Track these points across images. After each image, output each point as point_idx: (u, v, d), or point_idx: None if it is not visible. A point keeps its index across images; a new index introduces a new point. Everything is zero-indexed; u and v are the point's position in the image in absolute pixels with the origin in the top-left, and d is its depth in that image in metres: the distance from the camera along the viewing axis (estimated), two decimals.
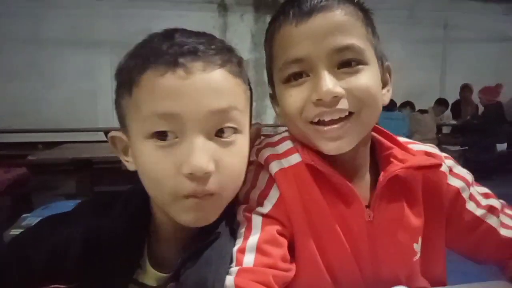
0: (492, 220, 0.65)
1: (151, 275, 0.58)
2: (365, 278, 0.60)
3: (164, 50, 0.49)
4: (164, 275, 0.57)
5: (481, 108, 5.28)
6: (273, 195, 0.59)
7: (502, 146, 4.95)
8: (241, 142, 0.54)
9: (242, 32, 5.80)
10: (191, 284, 0.50)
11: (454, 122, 5.58)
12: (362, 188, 0.62)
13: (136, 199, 0.59)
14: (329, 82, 0.54)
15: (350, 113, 0.56)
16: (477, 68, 6.15)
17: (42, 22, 5.01)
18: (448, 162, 0.66)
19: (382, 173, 0.60)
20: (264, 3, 5.80)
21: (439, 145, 4.54)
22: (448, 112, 5.70)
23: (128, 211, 0.58)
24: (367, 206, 0.60)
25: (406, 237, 0.61)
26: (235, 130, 0.52)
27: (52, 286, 0.54)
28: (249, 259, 0.53)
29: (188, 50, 0.49)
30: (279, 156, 0.61)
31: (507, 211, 0.68)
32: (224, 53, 0.52)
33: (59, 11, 4.95)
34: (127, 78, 0.51)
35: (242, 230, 0.57)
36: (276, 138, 0.66)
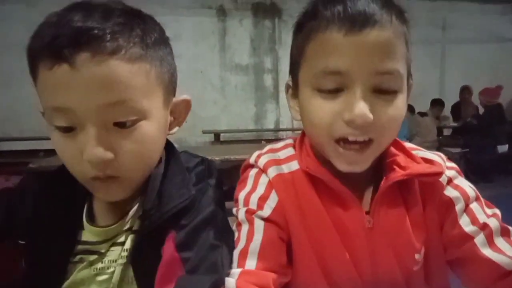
0: (479, 239, 0.58)
1: (89, 231, 0.60)
2: (365, 285, 0.59)
3: (49, 41, 0.46)
4: (101, 228, 0.59)
5: (481, 110, 5.28)
6: (273, 199, 0.60)
7: (503, 148, 4.94)
8: (145, 128, 0.53)
9: (241, 36, 5.81)
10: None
11: (454, 124, 5.58)
12: (364, 194, 0.62)
13: None
14: (364, 106, 0.51)
15: (371, 139, 0.54)
16: (476, 69, 6.16)
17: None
18: (449, 173, 0.63)
19: (383, 180, 0.59)
20: (262, 8, 5.82)
21: (440, 147, 4.55)
22: (448, 114, 5.70)
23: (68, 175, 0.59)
24: (368, 213, 0.60)
25: (406, 246, 0.60)
26: (135, 120, 0.52)
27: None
28: (251, 263, 0.54)
29: (74, 40, 0.46)
30: (279, 162, 0.62)
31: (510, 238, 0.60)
32: (119, 37, 0.49)
33: None
34: (30, 68, 0.51)
35: (245, 232, 0.58)
36: (280, 144, 0.67)
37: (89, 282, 0.58)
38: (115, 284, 0.58)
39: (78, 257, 0.59)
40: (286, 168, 0.61)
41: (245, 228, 0.58)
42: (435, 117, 5.26)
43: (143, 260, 0.57)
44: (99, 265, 0.59)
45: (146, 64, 0.52)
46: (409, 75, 0.58)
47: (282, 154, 0.64)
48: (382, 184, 0.59)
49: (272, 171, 0.61)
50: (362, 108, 0.51)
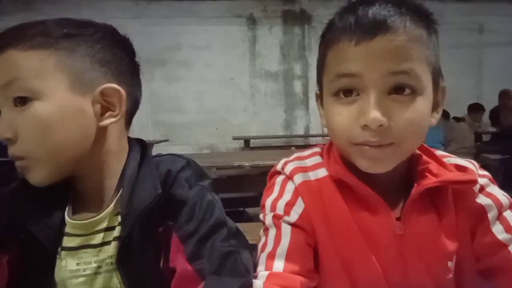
0: None
1: (70, 225, 0.60)
2: None
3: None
4: (78, 221, 0.60)
5: None
6: (299, 205, 0.61)
7: None
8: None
9: (271, 44, 5.86)
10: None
11: (493, 129, 5.33)
12: (395, 201, 0.61)
13: None
14: (376, 110, 0.52)
15: (391, 144, 0.54)
16: None
17: None
18: (481, 181, 0.61)
19: (415, 186, 0.59)
20: (292, 15, 5.84)
21: (478, 153, 4.35)
22: (486, 119, 5.46)
23: None
24: (399, 220, 0.59)
25: (439, 254, 0.59)
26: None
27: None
28: (278, 265, 0.55)
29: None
30: (306, 169, 0.63)
31: None
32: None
33: None
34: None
35: (272, 236, 0.59)
36: (307, 152, 0.68)
37: (66, 285, 0.59)
38: None
39: (63, 252, 0.60)
40: (312, 175, 0.62)
41: (272, 232, 0.59)
42: (473, 123, 5.05)
43: (131, 266, 0.59)
44: (74, 267, 0.59)
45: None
46: (438, 77, 0.58)
47: (309, 162, 0.64)
48: (414, 190, 0.58)
49: (298, 178, 0.62)
50: (374, 112, 0.52)
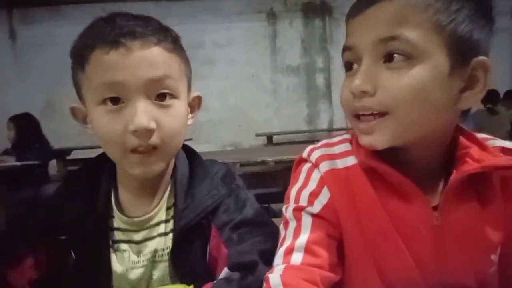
0: None
1: (120, 219, 0.67)
2: (429, 285, 0.55)
3: (107, 32, 0.58)
4: (131, 218, 0.67)
5: None
6: (324, 195, 0.58)
7: None
8: (178, 106, 0.63)
9: (292, 38, 5.81)
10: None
11: None
12: (433, 190, 0.57)
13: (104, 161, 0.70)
14: (359, 77, 0.52)
15: (386, 112, 0.52)
16: None
17: None
18: None
19: (454, 173, 0.55)
20: (312, 7, 5.76)
21: None
22: None
23: (91, 168, 0.70)
24: (436, 209, 0.55)
25: (481, 246, 0.55)
26: (172, 96, 0.62)
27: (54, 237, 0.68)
28: (296, 258, 0.53)
29: (128, 32, 0.58)
30: (334, 157, 0.60)
31: None
32: (159, 33, 0.61)
33: None
34: (79, 56, 0.60)
35: (292, 230, 0.57)
36: (336, 139, 0.64)
37: (127, 275, 0.66)
38: (157, 280, 0.67)
39: (116, 245, 0.67)
40: (340, 164, 0.59)
41: (292, 225, 0.57)
42: (507, 111, 4.82)
43: (183, 257, 0.65)
44: (134, 258, 0.67)
45: (177, 58, 0.64)
46: (464, 47, 0.51)
47: (337, 149, 0.61)
48: (453, 177, 0.54)
49: (324, 166, 0.59)
50: (355, 80, 0.52)
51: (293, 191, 0.61)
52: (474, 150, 0.56)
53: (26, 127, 3.42)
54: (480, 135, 0.60)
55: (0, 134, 3.81)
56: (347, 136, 0.64)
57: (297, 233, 0.56)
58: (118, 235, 0.67)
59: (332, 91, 5.71)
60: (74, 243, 0.67)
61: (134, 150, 0.59)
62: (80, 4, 5.25)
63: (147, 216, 0.67)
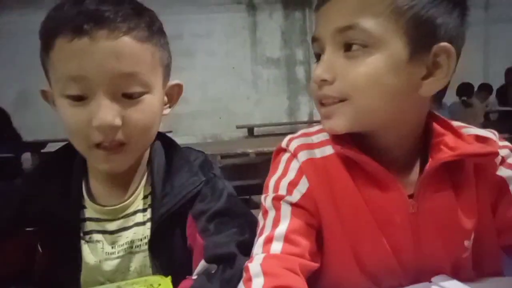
0: None
1: (93, 208, 0.64)
2: (406, 272, 0.57)
3: (72, 17, 0.53)
4: (104, 207, 0.64)
5: None
6: (303, 184, 0.58)
7: None
8: (149, 101, 0.59)
9: (272, 30, 5.79)
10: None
11: (502, 108, 5.26)
12: (408, 178, 0.59)
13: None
14: (320, 67, 0.55)
15: (345, 98, 0.54)
16: None
17: None
18: (503, 152, 0.58)
19: (429, 161, 0.56)
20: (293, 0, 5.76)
21: None
22: (493, 98, 5.39)
23: (63, 157, 0.66)
24: (412, 197, 0.57)
25: (456, 233, 0.57)
26: (141, 93, 0.57)
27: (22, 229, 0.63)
28: (276, 247, 0.53)
29: (94, 18, 0.53)
30: (312, 146, 0.61)
31: None
32: (131, 20, 0.56)
33: None
34: (44, 40, 0.56)
35: (271, 219, 0.57)
36: (314, 129, 0.65)
37: (101, 267, 0.63)
38: (134, 272, 0.64)
39: (88, 236, 0.63)
40: (318, 153, 0.60)
41: (271, 214, 0.57)
42: (481, 103, 4.98)
43: (163, 247, 0.63)
44: (109, 249, 0.63)
45: (152, 47, 0.59)
46: (423, 33, 0.51)
47: (315, 138, 0.62)
48: (428, 165, 0.55)
49: (302, 155, 0.60)
50: (316, 68, 0.55)
51: (272, 181, 0.61)
52: (449, 138, 0.57)
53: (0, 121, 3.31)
54: (456, 123, 0.61)
55: None
56: None
57: (276, 222, 0.56)
58: (90, 225, 0.64)
59: None
60: (43, 234, 0.63)
61: (99, 146, 0.57)
62: None
63: (121, 204, 0.64)
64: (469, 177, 0.58)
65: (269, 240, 0.54)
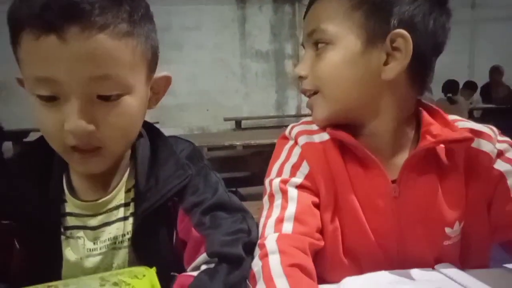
0: None
1: (73, 203, 0.61)
2: (388, 257, 0.59)
3: (38, 11, 0.46)
4: (85, 202, 0.60)
5: None
6: (305, 167, 0.62)
7: None
8: (128, 102, 0.54)
9: (261, 23, 5.76)
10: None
11: (489, 105, 5.35)
12: (397, 165, 0.60)
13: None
14: (298, 66, 0.64)
15: (317, 90, 0.63)
16: (508, 49, 5.88)
17: None
18: (500, 146, 0.60)
19: (414, 148, 0.59)
20: None
21: None
22: (477, 96, 5.49)
23: (43, 148, 0.60)
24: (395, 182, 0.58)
25: (436, 219, 0.58)
26: (119, 95, 0.52)
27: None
28: (287, 227, 0.56)
29: (65, 13, 0.46)
30: (312, 132, 0.65)
31: None
32: (109, 11, 0.49)
33: None
34: (11, 31, 0.51)
35: (279, 201, 0.60)
36: None
37: (82, 264, 0.60)
38: (117, 268, 0.60)
39: (68, 232, 0.60)
40: (317, 138, 0.63)
41: (278, 198, 0.60)
42: (466, 100, 5.06)
43: (146, 243, 0.60)
44: (90, 246, 0.60)
45: (133, 41, 0.52)
46: (376, 23, 0.57)
47: (315, 126, 0.66)
48: (411, 152, 0.59)
49: (302, 140, 0.64)
50: (296, 66, 0.65)
51: (275, 165, 0.65)
52: (435, 127, 0.60)
53: None
54: (453, 117, 0.64)
55: None
56: None
57: (284, 204, 0.59)
58: (71, 221, 0.60)
59: None
60: (20, 230, 0.59)
61: (74, 148, 0.53)
62: None
63: (103, 199, 0.60)
64: (458, 168, 0.59)
65: (280, 221, 0.57)
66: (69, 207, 0.61)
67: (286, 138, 0.68)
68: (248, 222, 0.59)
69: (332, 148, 0.61)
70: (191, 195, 0.61)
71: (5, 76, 4.96)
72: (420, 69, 0.59)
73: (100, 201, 0.61)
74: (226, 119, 5.20)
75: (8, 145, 3.71)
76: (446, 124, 0.60)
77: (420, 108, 0.64)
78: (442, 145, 0.59)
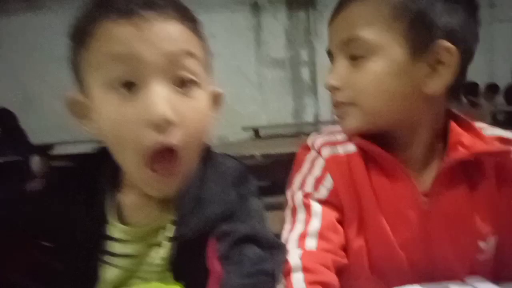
0: None
1: (118, 229, 0.57)
2: (416, 271, 0.57)
3: (119, 2, 0.49)
4: (130, 228, 0.57)
5: None
6: (328, 181, 0.60)
7: None
8: (201, 98, 0.53)
9: (276, 30, 5.78)
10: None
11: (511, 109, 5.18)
12: (426, 176, 0.59)
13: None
14: (330, 76, 0.61)
15: (352, 103, 0.59)
16: None
17: None
18: None
19: (444, 160, 0.57)
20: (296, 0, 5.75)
21: None
22: (501, 98, 5.33)
23: (89, 170, 0.59)
24: (426, 195, 0.57)
25: (469, 232, 0.56)
26: (195, 83, 0.51)
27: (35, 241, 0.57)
28: (311, 244, 0.55)
29: (145, 2, 0.49)
30: (336, 143, 0.62)
31: None
32: (180, 10, 0.53)
33: None
34: (82, 30, 0.50)
35: (302, 216, 0.58)
36: (337, 127, 0.67)
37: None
38: None
39: (108, 257, 0.57)
40: (341, 150, 0.61)
41: (301, 212, 0.58)
42: (488, 103, 4.93)
43: (184, 269, 0.55)
44: (131, 270, 0.57)
45: (200, 39, 0.56)
46: (420, 33, 0.54)
47: (339, 136, 0.64)
48: (442, 164, 0.56)
49: (326, 152, 0.62)
50: (329, 74, 0.61)
51: (298, 177, 0.63)
52: (466, 138, 0.58)
53: (8, 123, 3.34)
54: (480, 124, 0.62)
55: None
56: None
57: (307, 219, 0.57)
58: (112, 246, 0.57)
59: (317, 84, 5.72)
60: (60, 250, 0.57)
61: (153, 168, 0.49)
62: None
63: (152, 224, 0.57)
64: (489, 179, 0.57)
65: (303, 236, 0.55)
66: (111, 232, 0.58)
67: (308, 149, 0.66)
68: (275, 262, 0.53)
69: (357, 160, 0.59)
70: (224, 222, 0.55)
71: (34, 91, 5.15)
72: (458, 80, 0.57)
73: (147, 226, 0.57)
74: (244, 128, 5.21)
75: (35, 159, 3.82)
76: (477, 135, 0.58)
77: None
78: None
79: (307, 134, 0.70)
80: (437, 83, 0.55)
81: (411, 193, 0.56)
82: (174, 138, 0.48)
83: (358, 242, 0.58)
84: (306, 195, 0.59)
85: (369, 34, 0.56)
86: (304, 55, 5.81)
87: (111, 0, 0.49)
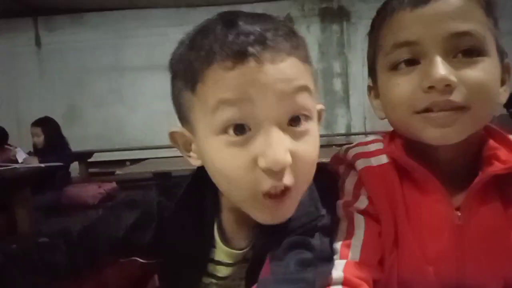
0: None
1: (223, 252, 0.59)
2: (445, 287, 0.55)
3: (230, 40, 0.45)
4: (235, 251, 0.58)
5: None
6: (363, 193, 0.59)
7: None
8: (313, 129, 0.50)
9: (309, 43, 5.60)
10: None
11: None
12: (458, 190, 0.57)
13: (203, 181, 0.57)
14: (442, 69, 0.49)
15: (461, 107, 0.51)
16: None
17: (122, 52, 5.52)
18: None
19: (479, 174, 0.55)
20: (330, 12, 5.74)
21: None
22: None
23: (196, 192, 0.59)
24: (459, 210, 0.55)
25: (503, 248, 0.54)
26: (307, 117, 0.49)
27: (131, 258, 0.58)
28: (354, 255, 0.54)
29: (256, 40, 0.45)
30: (368, 155, 0.61)
31: None
32: (292, 39, 0.48)
33: (136, 40, 5.42)
34: (188, 73, 0.48)
35: (344, 227, 0.57)
36: (369, 138, 0.66)
37: None
38: None
39: (209, 279, 0.59)
40: (375, 161, 0.60)
41: (343, 222, 0.58)
42: None
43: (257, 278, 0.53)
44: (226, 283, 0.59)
45: (310, 66, 0.52)
46: (502, 51, 0.54)
47: (372, 147, 0.63)
48: (478, 178, 0.54)
49: (360, 164, 0.61)
50: (440, 71, 0.49)
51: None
52: (502, 151, 0.55)
53: (52, 131, 3.53)
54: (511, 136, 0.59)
55: (22, 137, 3.93)
56: (378, 136, 0.66)
57: (350, 230, 0.56)
58: (214, 268, 0.58)
59: (350, 96, 5.65)
60: (164, 268, 0.58)
61: (266, 194, 0.47)
62: (101, 11, 5.37)
63: (249, 245, 0.58)
64: None
65: (346, 246, 0.55)
66: (216, 255, 0.59)
67: (340, 160, 0.65)
68: (319, 272, 0.51)
69: (391, 172, 0.58)
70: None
71: (75, 100, 5.42)
72: None
73: (246, 249, 0.58)
74: None
75: (73, 165, 4.00)
76: None
77: None
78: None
79: (338, 145, 0.69)
80: (505, 93, 0.55)
81: (444, 207, 0.55)
82: (288, 180, 0.47)
83: (391, 257, 0.57)
84: (346, 204, 0.59)
85: (483, 32, 0.51)
86: (336, 67, 5.77)
87: (219, 39, 0.45)
